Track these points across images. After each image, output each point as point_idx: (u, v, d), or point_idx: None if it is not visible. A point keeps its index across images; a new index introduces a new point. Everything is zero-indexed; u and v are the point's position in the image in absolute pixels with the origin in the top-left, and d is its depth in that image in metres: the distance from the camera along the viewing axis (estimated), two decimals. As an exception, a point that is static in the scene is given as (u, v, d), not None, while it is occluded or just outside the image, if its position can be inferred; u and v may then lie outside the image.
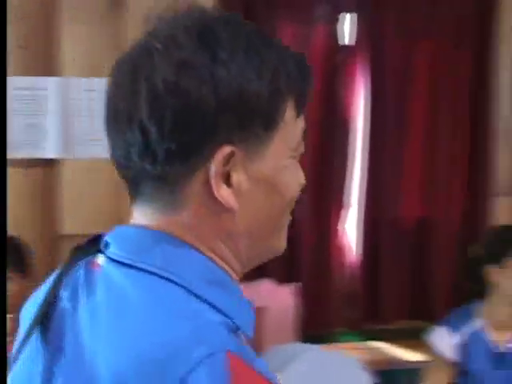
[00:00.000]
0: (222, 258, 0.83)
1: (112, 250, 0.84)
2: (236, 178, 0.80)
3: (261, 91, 0.80)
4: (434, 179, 2.95)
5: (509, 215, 2.91)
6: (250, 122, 0.80)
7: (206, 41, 0.80)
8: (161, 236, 0.82)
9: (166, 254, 0.81)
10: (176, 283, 0.78)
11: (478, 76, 2.94)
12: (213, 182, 0.79)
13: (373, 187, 2.92)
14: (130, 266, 0.81)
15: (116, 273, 0.82)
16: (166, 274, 0.79)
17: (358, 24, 2.89)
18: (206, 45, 0.80)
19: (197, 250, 0.81)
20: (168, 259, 0.80)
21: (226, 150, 0.79)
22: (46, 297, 0.88)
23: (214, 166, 0.78)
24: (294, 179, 0.85)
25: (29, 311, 0.91)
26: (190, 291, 0.78)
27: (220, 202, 0.80)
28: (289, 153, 0.84)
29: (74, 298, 0.86)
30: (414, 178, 2.97)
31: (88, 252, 0.88)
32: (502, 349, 2.14)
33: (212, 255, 0.82)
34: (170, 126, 0.78)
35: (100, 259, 0.86)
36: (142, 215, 0.84)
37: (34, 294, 0.95)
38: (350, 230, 2.95)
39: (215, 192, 0.79)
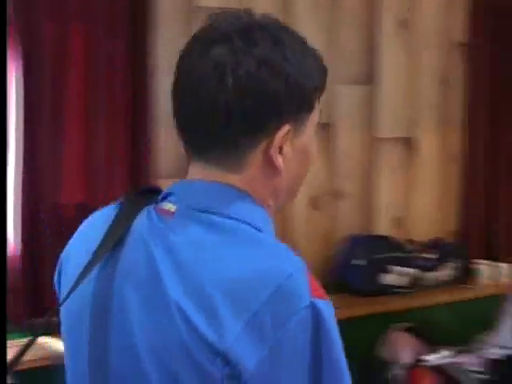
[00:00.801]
0: (267, 206, 1.12)
1: (184, 200, 1.08)
2: (286, 149, 1.08)
3: (311, 85, 1.10)
4: (94, 165, 2.94)
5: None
6: (303, 108, 1.09)
7: (277, 42, 1.06)
8: (227, 190, 1.08)
9: (235, 203, 1.07)
10: (249, 224, 1.06)
11: (134, 61, 2.96)
12: (273, 152, 1.07)
13: (29, 176, 2.81)
14: (207, 212, 1.06)
15: (194, 218, 1.06)
16: (238, 217, 1.06)
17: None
18: (278, 45, 1.05)
19: (252, 199, 1.09)
20: (237, 207, 1.07)
21: (286, 128, 1.07)
22: (113, 229, 1.10)
23: (276, 141, 1.07)
24: (315, 149, 1.16)
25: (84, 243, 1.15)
26: (259, 229, 1.07)
27: (272, 167, 1.08)
28: (313, 131, 1.14)
29: (146, 235, 1.07)
30: (74, 164, 2.93)
31: (143, 202, 1.13)
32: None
33: (261, 203, 1.11)
34: (249, 108, 1.03)
35: (168, 206, 1.09)
36: (207, 174, 1.09)
37: (83, 230, 1.22)
38: (8, 221, 2.79)
39: (275, 160, 1.07)
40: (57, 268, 1.24)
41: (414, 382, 3.36)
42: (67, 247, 1.22)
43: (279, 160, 1.08)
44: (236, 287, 0.99)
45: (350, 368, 1.03)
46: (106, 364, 1.07)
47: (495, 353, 3.52)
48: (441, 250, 3.76)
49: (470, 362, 3.45)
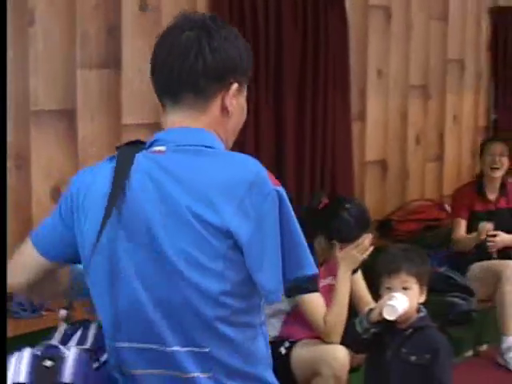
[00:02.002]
0: (222, 140, 1.66)
1: (172, 144, 1.60)
2: (235, 101, 1.65)
3: (249, 60, 1.70)
4: None
5: None
6: (245, 74, 1.68)
7: (228, 28, 1.67)
8: (197, 130, 1.62)
9: (204, 138, 1.62)
10: (217, 149, 1.62)
11: None
12: (227, 100, 1.64)
13: None
14: (189, 146, 1.59)
15: (181, 151, 1.59)
16: (209, 145, 1.60)
17: None
18: (230, 30, 1.66)
19: (213, 135, 1.63)
20: (206, 139, 1.62)
21: (236, 85, 1.64)
22: (119, 172, 1.59)
23: (231, 92, 1.64)
24: (246, 110, 1.72)
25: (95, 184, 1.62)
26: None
27: (225, 112, 1.64)
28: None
29: (147, 169, 1.57)
30: None
31: (135, 148, 1.63)
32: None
33: (219, 138, 1.65)
34: (217, 66, 1.61)
35: (158, 148, 1.60)
36: (182, 121, 1.63)
37: (88, 172, 1.67)
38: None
39: (228, 105, 1.64)
40: (66, 196, 1.67)
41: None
42: (77, 185, 1.65)
43: (231, 106, 1.64)
44: (225, 187, 1.54)
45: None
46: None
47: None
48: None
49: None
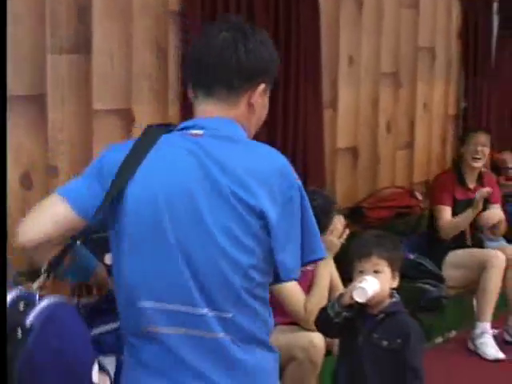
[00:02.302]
0: (246, 131, 1.90)
1: (210, 131, 1.82)
2: (260, 100, 1.88)
3: (277, 65, 1.93)
4: None
5: None
6: (272, 77, 1.90)
7: (262, 33, 1.90)
8: (230, 121, 1.85)
9: (235, 129, 1.86)
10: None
11: None
12: (254, 98, 1.86)
13: None
14: (224, 134, 1.82)
15: (218, 137, 1.81)
16: (239, 136, 1.86)
17: None
18: (264, 36, 1.90)
19: (240, 127, 1.87)
20: (236, 130, 1.86)
21: (263, 86, 1.87)
22: (144, 145, 1.83)
23: (258, 91, 1.86)
24: (267, 110, 1.95)
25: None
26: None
27: (251, 108, 1.87)
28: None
29: (187, 147, 1.80)
30: None
31: (163, 130, 1.86)
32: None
33: (243, 130, 1.88)
34: (250, 67, 1.83)
35: (196, 131, 1.82)
36: (215, 111, 1.85)
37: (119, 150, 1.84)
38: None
39: (254, 103, 1.87)
40: (99, 164, 1.85)
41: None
42: (111, 157, 1.83)
43: (256, 103, 1.87)
44: (258, 173, 1.77)
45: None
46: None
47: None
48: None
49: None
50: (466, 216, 4.72)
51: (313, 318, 3.21)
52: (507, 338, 4.79)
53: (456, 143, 6.03)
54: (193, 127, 1.82)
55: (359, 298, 2.65)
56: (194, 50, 1.89)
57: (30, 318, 1.65)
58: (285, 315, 3.35)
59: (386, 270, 2.73)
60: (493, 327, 4.66)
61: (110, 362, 2.06)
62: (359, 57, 5.10)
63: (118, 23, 3.64)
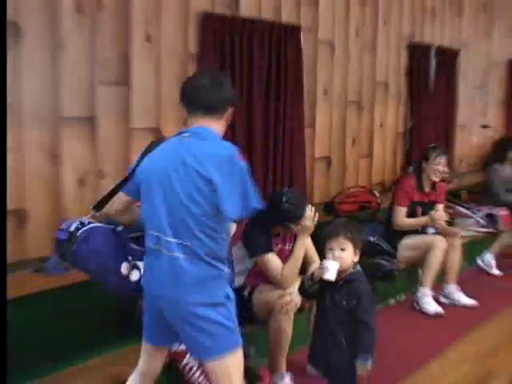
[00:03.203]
0: (219, 134, 2.32)
1: (193, 134, 2.26)
2: (229, 117, 2.34)
3: (236, 96, 2.61)
4: None
5: None
6: (234, 102, 2.35)
7: (227, 80, 2.39)
8: (210, 130, 2.28)
9: (213, 135, 2.27)
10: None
11: None
12: (226, 117, 2.34)
13: None
14: (202, 138, 2.25)
15: (195, 137, 2.25)
16: (214, 138, 2.28)
17: None
18: (228, 81, 2.38)
19: (217, 134, 2.30)
20: (214, 136, 2.27)
21: (231, 109, 2.34)
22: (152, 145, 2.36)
23: (228, 112, 2.34)
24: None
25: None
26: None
27: (225, 122, 2.35)
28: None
29: (177, 146, 2.24)
30: None
31: (164, 139, 2.35)
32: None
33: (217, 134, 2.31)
34: (224, 99, 2.31)
35: (185, 135, 2.27)
36: (201, 122, 2.29)
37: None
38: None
39: (226, 120, 2.35)
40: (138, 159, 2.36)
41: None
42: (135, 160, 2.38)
43: (226, 119, 2.33)
44: (213, 156, 2.17)
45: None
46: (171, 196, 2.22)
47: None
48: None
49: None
50: (421, 221, 4.73)
51: (286, 280, 3.24)
52: (442, 299, 4.80)
53: (403, 154, 6.05)
54: (184, 132, 2.29)
55: (327, 278, 2.65)
56: (185, 87, 2.32)
57: (79, 232, 2.30)
58: (267, 278, 3.35)
59: (350, 248, 2.72)
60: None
61: (141, 264, 2.40)
62: (332, 89, 5.10)
63: (151, 64, 3.64)
